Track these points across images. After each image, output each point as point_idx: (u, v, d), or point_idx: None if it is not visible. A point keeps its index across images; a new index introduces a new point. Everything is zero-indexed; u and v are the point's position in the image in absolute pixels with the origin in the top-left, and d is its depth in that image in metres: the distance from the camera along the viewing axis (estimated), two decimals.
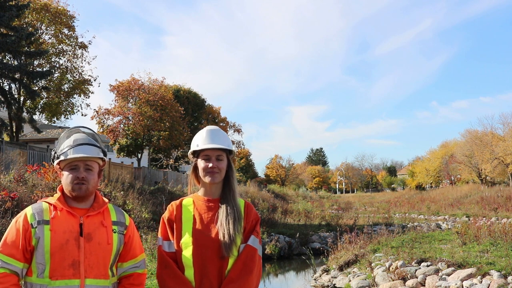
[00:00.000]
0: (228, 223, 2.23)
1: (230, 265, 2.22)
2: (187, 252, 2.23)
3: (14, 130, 20.78)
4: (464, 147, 46.00)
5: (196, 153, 2.36)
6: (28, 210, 2.21)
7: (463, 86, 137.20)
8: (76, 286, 2.13)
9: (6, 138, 21.64)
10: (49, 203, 2.23)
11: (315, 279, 11.43)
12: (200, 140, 2.35)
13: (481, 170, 44.06)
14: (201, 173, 2.32)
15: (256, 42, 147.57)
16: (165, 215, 2.35)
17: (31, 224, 2.15)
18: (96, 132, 2.40)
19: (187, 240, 2.24)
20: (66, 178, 2.22)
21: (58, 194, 2.26)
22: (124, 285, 2.33)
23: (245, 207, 2.37)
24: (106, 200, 2.38)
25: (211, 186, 2.34)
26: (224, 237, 2.20)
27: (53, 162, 2.31)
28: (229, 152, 2.37)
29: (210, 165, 2.29)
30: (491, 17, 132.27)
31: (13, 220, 2.21)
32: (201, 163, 2.32)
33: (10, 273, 2.10)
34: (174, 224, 2.30)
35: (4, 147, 14.85)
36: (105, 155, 2.35)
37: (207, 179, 2.30)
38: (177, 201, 2.40)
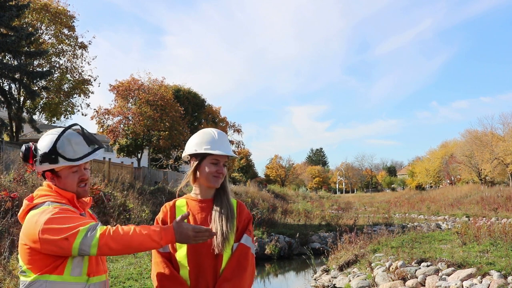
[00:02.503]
0: (221, 221, 2.26)
1: (224, 264, 2.25)
2: (182, 252, 2.25)
3: (14, 130, 20.78)
4: (464, 147, 46.02)
5: (202, 155, 2.34)
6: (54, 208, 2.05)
7: (463, 86, 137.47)
8: (104, 282, 2.16)
9: (6, 138, 21.63)
10: (59, 202, 2.12)
11: (315, 279, 11.42)
12: (212, 144, 2.33)
13: (481, 170, 44.06)
14: (205, 175, 2.32)
15: (256, 42, 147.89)
16: (159, 216, 2.38)
17: None
18: (89, 133, 2.31)
19: None
20: (71, 180, 2.17)
21: (68, 194, 2.17)
22: None
23: (237, 207, 2.39)
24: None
25: (207, 188, 2.36)
26: (217, 234, 2.23)
27: (43, 163, 2.14)
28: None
29: (220, 170, 2.33)
30: (491, 17, 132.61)
31: (53, 209, 2.00)
32: (208, 167, 2.32)
33: None
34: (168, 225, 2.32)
35: (4, 147, 14.82)
36: (102, 147, 2.31)
37: (211, 183, 2.32)
38: (171, 202, 2.41)
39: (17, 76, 19.40)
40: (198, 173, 2.35)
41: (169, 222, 2.32)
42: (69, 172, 2.17)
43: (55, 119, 25.42)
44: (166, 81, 30.94)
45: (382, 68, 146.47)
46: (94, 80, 25.55)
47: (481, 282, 7.98)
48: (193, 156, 2.36)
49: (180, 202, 2.39)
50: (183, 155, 2.46)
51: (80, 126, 2.32)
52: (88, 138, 2.24)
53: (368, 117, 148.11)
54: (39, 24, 22.54)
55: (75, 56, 24.38)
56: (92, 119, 27.61)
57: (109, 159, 20.26)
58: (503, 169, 42.70)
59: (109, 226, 1.95)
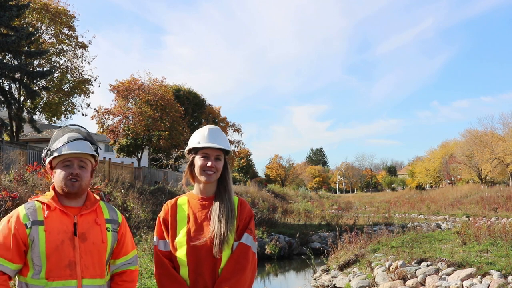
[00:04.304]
0: (220, 221, 2.24)
1: (223, 263, 2.23)
2: (181, 251, 2.24)
3: (14, 130, 20.76)
4: (464, 147, 46.01)
5: (194, 150, 2.36)
6: (21, 210, 2.16)
7: (464, 85, 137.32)
8: (74, 287, 2.12)
9: (6, 138, 21.63)
10: (41, 202, 2.19)
11: (315, 279, 11.43)
12: (201, 138, 2.35)
13: (481, 170, 44.06)
14: (197, 171, 2.32)
15: (257, 42, 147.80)
16: (161, 214, 2.37)
17: (25, 224, 2.10)
18: (89, 131, 2.37)
19: (181, 239, 2.26)
20: (59, 174, 2.19)
21: (51, 193, 2.22)
22: (117, 282, 2.31)
23: (238, 205, 2.37)
24: (98, 197, 2.36)
25: (206, 185, 2.35)
26: (215, 235, 2.22)
27: (45, 161, 2.26)
28: (226, 152, 2.38)
29: (209, 163, 2.29)
30: (493, 17, 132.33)
31: (5, 220, 2.15)
32: (198, 161, 2.32)
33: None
34: (169, 223, 2.32)
35: (4, 147, 14.83)
36: (97, 153, 2.33)
37: (203, 178, 2.31)
38: (172, 200, 2.41)
39: (17, 76, 19.40)
40: (194, 169, 2.36)
41: (171, 221, 2.32)
42: (61, 167, 2.22)
43: (55, 119, 25.39)
44: (166, 81, 31.00)
45: (383, 68, 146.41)
46: (94, 80, 25.55)
47: (481, 281, 7.98)
48: (189, 153, 2.40)
49: (182, 200, 2.39)
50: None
51: (81, 127, 2.35)
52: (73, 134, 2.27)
53: (368, 116, 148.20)
54: (39, 24, 22.53)
55: (75, 56, 24.37)
56: (92, 119, 27.64)
57: (109, 159, 20.29)
58: (503, 169, 42.68)
59: None
